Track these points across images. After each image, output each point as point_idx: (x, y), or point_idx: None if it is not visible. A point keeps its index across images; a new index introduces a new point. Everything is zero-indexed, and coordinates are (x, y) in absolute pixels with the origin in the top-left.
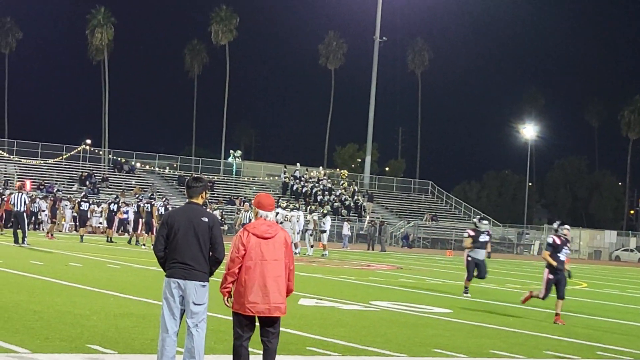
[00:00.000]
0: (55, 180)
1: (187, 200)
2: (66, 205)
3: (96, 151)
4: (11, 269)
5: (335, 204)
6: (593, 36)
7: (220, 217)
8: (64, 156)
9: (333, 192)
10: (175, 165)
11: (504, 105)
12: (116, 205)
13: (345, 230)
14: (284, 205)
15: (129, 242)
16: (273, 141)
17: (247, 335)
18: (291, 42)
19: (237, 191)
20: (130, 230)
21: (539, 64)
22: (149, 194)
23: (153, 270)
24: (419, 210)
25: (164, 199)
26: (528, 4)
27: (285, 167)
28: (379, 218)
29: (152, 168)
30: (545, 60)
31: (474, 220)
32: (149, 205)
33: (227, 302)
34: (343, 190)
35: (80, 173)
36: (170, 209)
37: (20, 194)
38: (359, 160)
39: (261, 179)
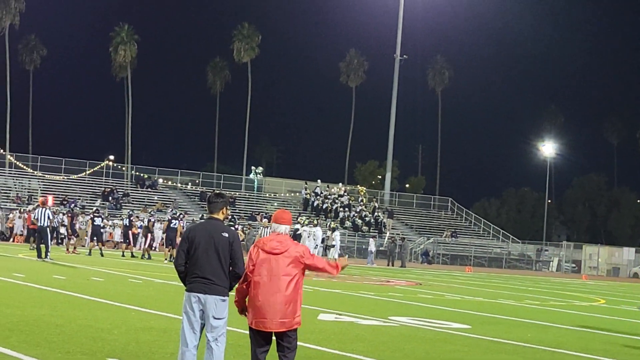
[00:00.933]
0: (78, 196)
1: (207, 215)
2: (85, 221)
3: (119, 167)
4: (34, 283)
5: (357, 220)
6: (612, 54)
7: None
8: (87, 172)
9: (353, 209)
10: (197, 181)
11: (523, 123)
12: (128, 221)
13: (372, 246)
14: (307, 222)
15: (142, 257)
16: (294, 158)
17: (263, 349)
18: (312, 59)
19: (259, 207)
20: (141, 244)
21: (558, 82)
22: (177, 214)
23: (174, 285)
24: (438, 227)
25: (192, 220)
26: (548, 23)
27: (307, 184)
28: (399, 234)
29: (175, 184)
30: (565, 78)
31: None
32: (175, 221)
33: (243, 314)
34: (363, 206)
35: (103, 189)
36: None
37: (43, 209)
38: (380, 177)
39: (282, 195)
